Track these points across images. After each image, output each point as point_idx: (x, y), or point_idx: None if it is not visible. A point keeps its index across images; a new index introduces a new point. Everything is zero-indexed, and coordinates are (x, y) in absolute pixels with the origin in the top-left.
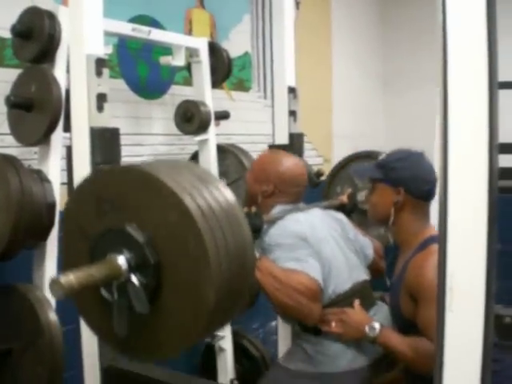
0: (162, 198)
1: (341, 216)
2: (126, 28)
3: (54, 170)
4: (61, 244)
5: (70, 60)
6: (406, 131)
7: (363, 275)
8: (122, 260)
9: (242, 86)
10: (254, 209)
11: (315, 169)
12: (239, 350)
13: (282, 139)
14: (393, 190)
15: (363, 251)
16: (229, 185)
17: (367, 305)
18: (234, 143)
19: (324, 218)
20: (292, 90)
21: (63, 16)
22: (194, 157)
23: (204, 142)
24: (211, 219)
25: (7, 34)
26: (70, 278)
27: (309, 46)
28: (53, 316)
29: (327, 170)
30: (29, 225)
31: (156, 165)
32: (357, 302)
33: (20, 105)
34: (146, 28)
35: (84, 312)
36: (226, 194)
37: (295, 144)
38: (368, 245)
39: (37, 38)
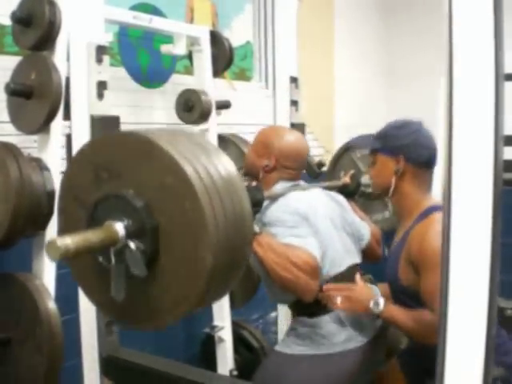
0: (157, 162)
1: (340, 198)
2: (127, 16)
3: (54, 159)
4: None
5: (70, 47)
6: None
7: (356, 259)
8: (119, 226)
9: (244, 75)
10: (254, 182)
11: (316, 159)
12: (239, 341)
13: None
14: (393, 159)
15: (359, 235)
16: None
17: None
18: (235, 133)
19: (324, 198)
20: (294, 80)
21: (64, 3)
22: None
23: (205, 132)
24: (208, 183)
25: (7, 21)
26: (67, 240)
27: (311, 36)
28: (52, 305)
29: (328, 161)
30: (28, 213)
31: (153, 131)
32: (358, 277)
33: (20, 92)
34: (147, 16)
35: (82, 281)
36: (226, 163)
37: None
38: (365, 229)
39: (37, 25)
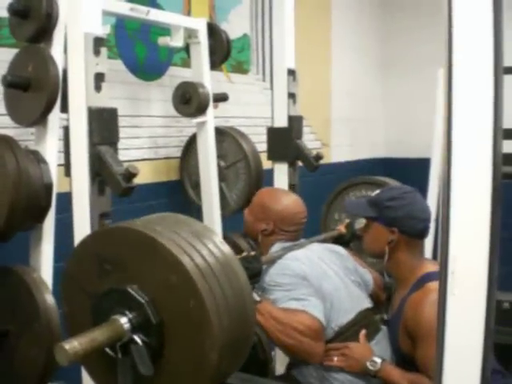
0: (161, 259)
1: (339, 249)
2: (124, 8)
3: (51, 151)
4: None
5: (67, 39)
6: (405, 115)
7: (366, 303)
8: (124, 321)
9: (241, 68)
10: (252, 252)
11: (314, 152)
12: None
13: (281, 122)
14: (387, 230)
15: (364, 281)
16: (227, 168)
17: (371, 332)
18: (233, 126)
19: (323, 252)
20: (291, 73)
21: None
22: (192, 139)
23: (202, 125)
24: (210, 277)
25: (4, 13)
26: (75, 344)
27: (308, 29)
28: (50, 298)
29: (325, 154)
30: (26, 206)
31: (154, 224)
32: (362, 334)
33: (17, 85)
34: (144, 8)
35: (89, 368)
36: (223, 248)
37: (294, 127)
38: (368, 276)
39: (34, 17)
